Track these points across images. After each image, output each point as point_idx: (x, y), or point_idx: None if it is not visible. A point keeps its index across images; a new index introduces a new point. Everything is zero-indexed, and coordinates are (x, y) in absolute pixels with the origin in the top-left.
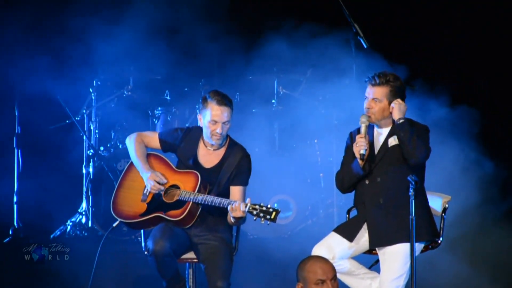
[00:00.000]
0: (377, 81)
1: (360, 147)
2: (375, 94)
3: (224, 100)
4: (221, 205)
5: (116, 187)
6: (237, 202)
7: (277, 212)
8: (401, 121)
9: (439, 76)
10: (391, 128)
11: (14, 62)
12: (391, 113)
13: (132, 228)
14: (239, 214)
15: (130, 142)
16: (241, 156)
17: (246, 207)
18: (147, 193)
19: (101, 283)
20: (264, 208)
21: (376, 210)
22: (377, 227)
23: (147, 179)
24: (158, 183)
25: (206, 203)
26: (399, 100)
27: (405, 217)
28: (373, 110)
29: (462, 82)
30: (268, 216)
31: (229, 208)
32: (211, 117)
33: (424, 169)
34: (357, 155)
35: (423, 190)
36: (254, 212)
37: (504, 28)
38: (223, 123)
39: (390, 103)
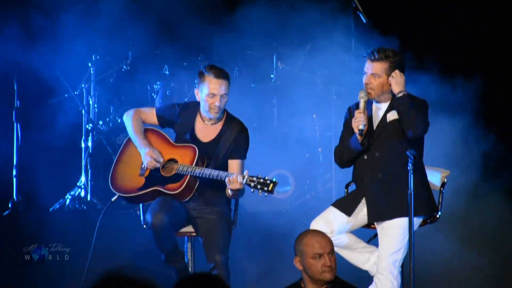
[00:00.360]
0: (376, 56)
1: (359, 123)
2: (374, 69)
3: (222, 73)
4: (218, 178)
5: (114, 161)
6: (234, 174)
7: (275, 183)
8: (401, 94)
9: (434, 49)
10: (390, 102)
11: (13, 35)
12: (390, 88)
13: (131, 202)
14: (236, 186)
15: (128, 119)
16: (239, 130)
17: (243, 179)
18: (145, 168)
19: (100, 256)
20: (261, 180)
21: (374, 185)
22: (376, 202)
23: (145, 154)
24: (155, 160)
25: (203, 176)
26: (397, 71)
27: (404, 192)
28: (372, 86)
29: (457, 55)
30: (265, 188)
31: (226, 180)
32: (209, 90)
33: (422, 144)
34: (356, 131)
35: (422, 165)
36: (252, 184)
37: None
38: (221, 96)
39: (389, 78)
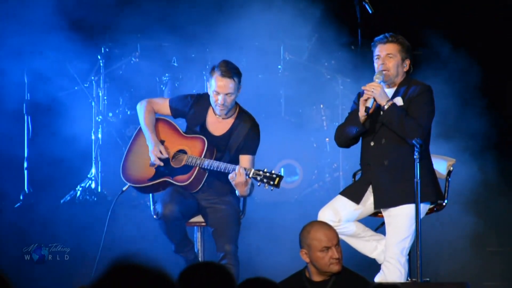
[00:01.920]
0: (389, 38)
1: (369, 94)
2: (388, 50)
3: (230, 72)
4: (226, 171)
5: (125, 151)
6: (236, 167)
7: (281, 178)
8: (387, 106)
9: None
10: (396, 88)
11: (22, 29)
12: (403, 71)
13: (141, 192)
14: (240, 178)
15: (140, 109)
16: (250, 125)
17: (250, 172)
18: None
19: (111, 247)
20: (267, 174)
21: (381, 171)
22: (382, 189)
23: (150, 152)
24: (159, 158)
25: (212, 168)
26: (375, 85)
27: (410, 179)
28: (388, 66)
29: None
30: (271, 182)
31: (229, 177)
32: (214, 88)
33: (429, 132)
34: (362, 107)
35: (428, 153)
36: (258, 178)
37: None
38: (226, 94)
39: (402, 60)
